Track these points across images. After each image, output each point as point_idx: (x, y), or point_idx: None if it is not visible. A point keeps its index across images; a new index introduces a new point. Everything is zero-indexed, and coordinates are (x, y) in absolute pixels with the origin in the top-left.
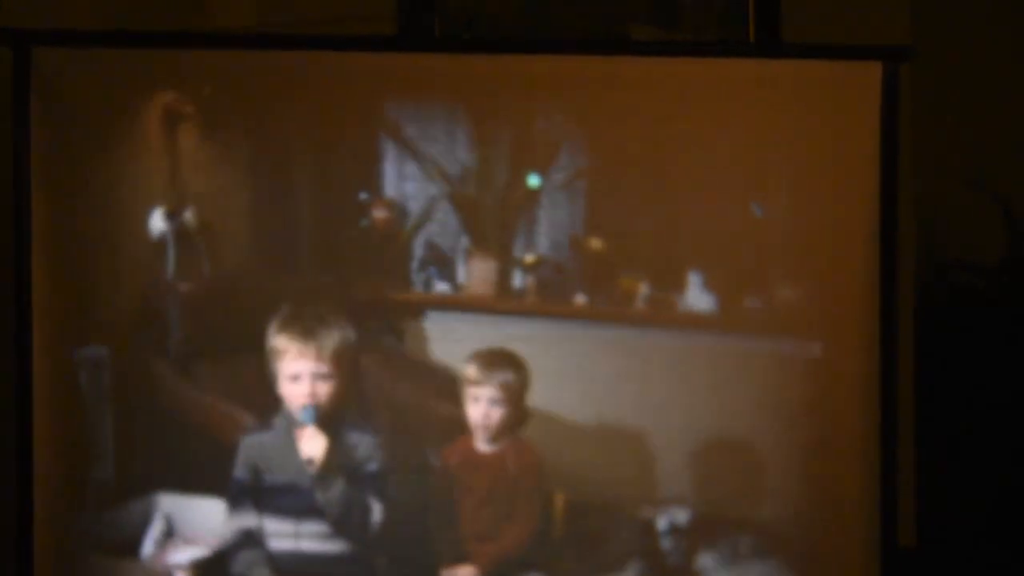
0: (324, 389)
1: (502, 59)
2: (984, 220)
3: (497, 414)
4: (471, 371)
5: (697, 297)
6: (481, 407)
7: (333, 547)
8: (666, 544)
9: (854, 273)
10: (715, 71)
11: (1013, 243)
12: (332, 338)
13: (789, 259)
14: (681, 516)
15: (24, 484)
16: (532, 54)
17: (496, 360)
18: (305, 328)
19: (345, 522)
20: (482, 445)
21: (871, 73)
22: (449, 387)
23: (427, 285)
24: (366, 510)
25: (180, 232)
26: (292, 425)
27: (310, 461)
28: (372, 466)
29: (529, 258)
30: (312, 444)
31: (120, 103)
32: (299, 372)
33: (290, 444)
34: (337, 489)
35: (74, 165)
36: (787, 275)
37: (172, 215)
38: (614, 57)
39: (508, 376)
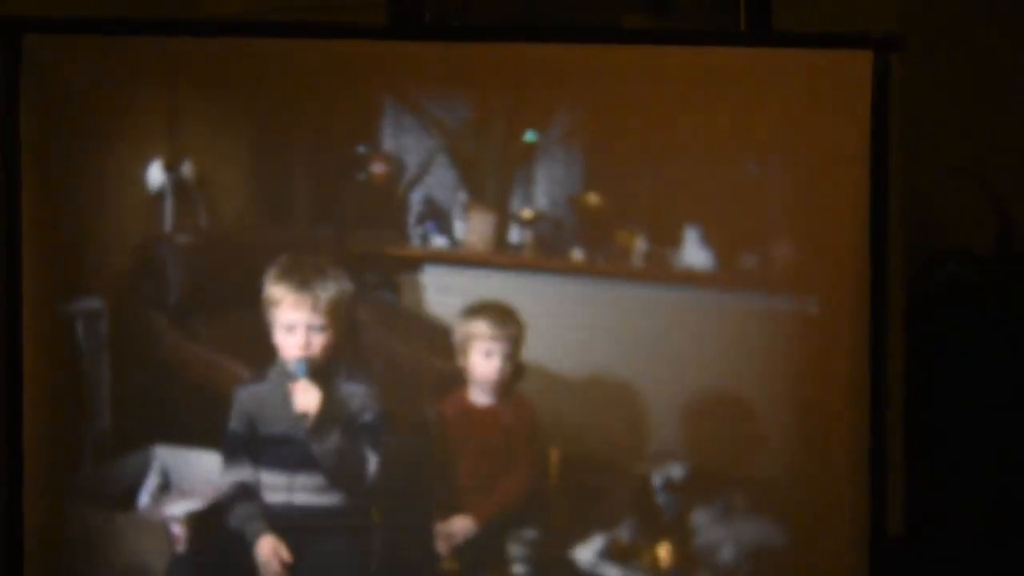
0: (319, 340)
1: (497, 47)
2: (975, 210)
3: (508, 368)
4: (483, 326)
5: (694, 253)
6: (495, 362)
7: (328, 499)
8: (661, 500)
9: (844, 266)
10: (706, 59)
11: (1004, 233)
12: (328, 289)
13: (783, 229)
14: (676, 472)
15: (13, 443)
16: (523, 42)
17: (505, 314)
18: (302, 278)
19: (341, 474)
20: (479, 398)
21: (862, 62)
22: (444, 341)
23: (424, 239)
24: (362, 462)
25: (178, 185)
26: (286, 376)
27: (304, 415)
28: (367, 417)
29: (527, 213)
30: (306, 397)
31: (108, 84)
32: (294, 323)
33: (284, 395)
34: (332, 441)
35: (64, 139)
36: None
37: (170, 168)
38: (605, 45)
39: (508, 328)
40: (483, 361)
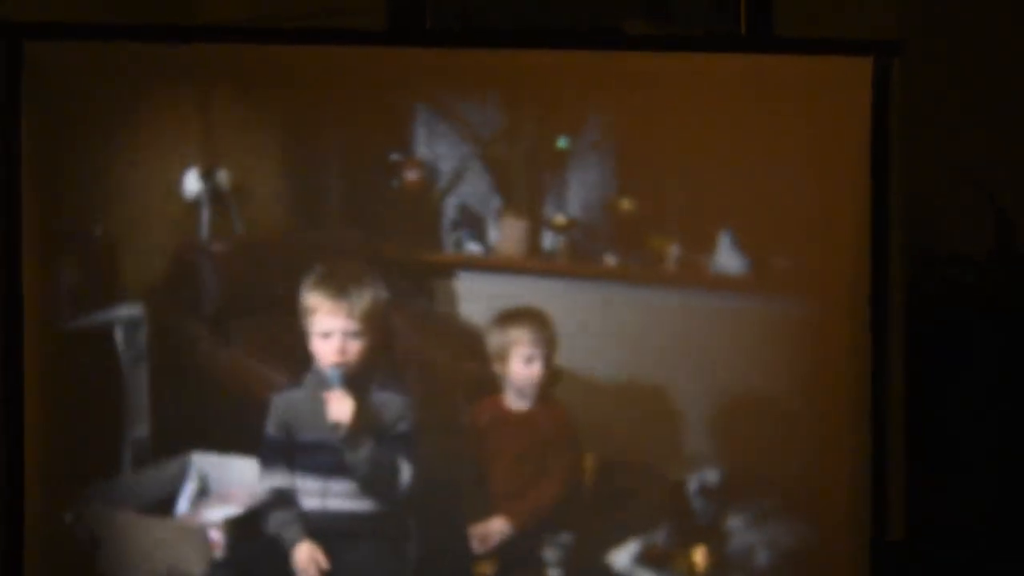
0: (354, 347)
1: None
2: (974, 213)
3: (535, 371)
4: (523, 332)
5: (727, 258)
6: (536, 367)
7: (363, 505)
8: (697, 504)
9: (844, 269)
10: (706, 65)
11: (1003, 236)
12: (364, 297)
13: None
14: (712, 476)
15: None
16: (523, 48)
17: (542, 320)
18: (338, 286)
19: (374, 483)
20: (515, 403)
21: (862, 67)
22: (479, 346)
23: (458, 246)
24: (395, 471)
25: (213, 193)
26: (322, 383)
27: (337, 425)
28: (402, 427)
29: (560, 219)
30: (339, 407)
31: (114, 94)
32: (330, 329)
33: (320, 402)
34: (366, 450)
35: (71, 145)
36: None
37: (206, 176)
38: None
39: (545, 333)
40: (524, 367)
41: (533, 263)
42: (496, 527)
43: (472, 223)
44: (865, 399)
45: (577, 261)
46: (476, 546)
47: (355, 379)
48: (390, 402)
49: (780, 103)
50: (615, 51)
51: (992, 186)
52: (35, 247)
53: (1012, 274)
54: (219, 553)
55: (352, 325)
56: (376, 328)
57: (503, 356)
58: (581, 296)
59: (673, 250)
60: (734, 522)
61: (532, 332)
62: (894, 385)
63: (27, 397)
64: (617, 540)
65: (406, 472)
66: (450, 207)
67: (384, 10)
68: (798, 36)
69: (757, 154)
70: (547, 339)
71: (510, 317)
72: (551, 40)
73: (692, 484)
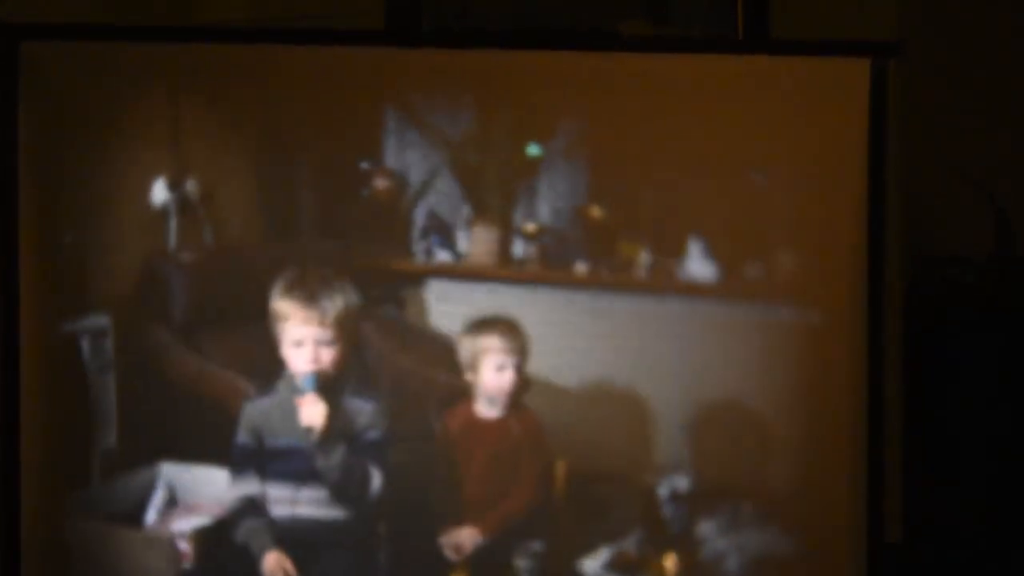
0: (327, 354)
1: (499, 55)
2: (973, 215)
3: (507, 379)
4: (494, 340)
5: (697, 264)
6: (507, 374)
7: (333, 513)
8: (668, 511)
9: (841, 271)
10: (703, 66)
11: (1002, 238)
12: (336, 302)
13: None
14: (682, 483)
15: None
16: (519, 49)
17: (514, 328)
18: (309, 292)
19: (345, 490)
20: (485, 411)
21: (860, 68)
22: (449, 354)
23: (428, 254)
24: (366, 478)
25: (182, 202)
26: (293, 389)
27: (310, 429)
28: (373, 434)
29: (530, 226)
30: (312, 411)
31: (111, 95)
32: (302, 338)
33: (291, 408)
34: (337, 457)
35: (64, 149)
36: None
37: (174, 185)
38: (607, 53)
39: (516, 341)
40: (496, 375)
41: (504, 271)
42: (467, 535)
43: (442, 231)
44: (862, 401)
45: (548, 268)
46: (447, 554)
47: (327, 385)
48: (361, 409)
49: (777, 105)
50: (611, 52)
51: (992, 187)
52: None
53: (1012, 275)
54: (188, 563)
55: (325, 333)
56: (348, 335)
57: (474, 364)
58: (552, 303)
59: (643, 256)
60: (705, 529)
61: (503, 340)
62: (891, 387)
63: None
64: (588, 547)
65: (377, 479)
66: (420, 215)
67: (381, 12)
68: (795, 38)
69: (753, 156)
70: (518, 347)
71: (481, 325)
72: (547, 41)
73: (663, 490)
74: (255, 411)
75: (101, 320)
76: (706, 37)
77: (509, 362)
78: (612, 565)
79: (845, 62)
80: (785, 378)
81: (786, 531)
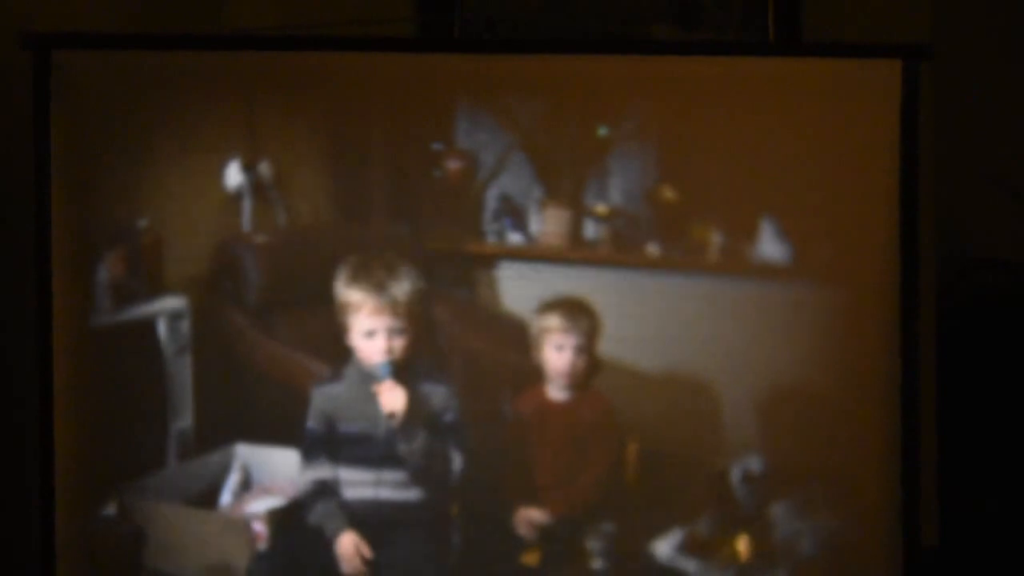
0: (400, 343)
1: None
2: (1007, 218)
3: (581, 362)
4: (554, 320)
5: (770, 246)
6: (566, 355)
7: (408, 495)
8: (740, 493)
9: (875, 272)
10: (735, 70)
11: None
12: (405, 290)
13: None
14: (755, 464)
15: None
16: (552, 54)
17: (578, 309)
18: (377, 282)
19: (427, 472)
20: (556, 394)
21: (891, 71)
22: (521, 337)
23: (500, 235)
24: (447, 460)
25: (256, 184)
26: (364, 377)
27: (392, 415)
28: (449, 417)
29: (602, 208)
30: (392, 398)
31: (153, 93)
32: (375, 328)
33: (362, 395)
34: (420, 440)
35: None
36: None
37: (248, 168)
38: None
39: (581, 323)
40: (555, 355)
41: (575, 253)
42: (539, 516)
43: (514, 213)
44: (896, 404)
45: (619, 250)
46: (520, 535)
47: (402, 371)
48: (435, 393)
49: (810, 107)
50: (644, 56)
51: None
52: (68, 247)
53: None
54: (262, 545)
55: (396, 322)
56: (418, 321)
57: (538, 345)
58: (624, 285)
59: (715, 238)
60: (778, 511)
61: (563, 321)
62: (926, 389)
63: (65, 394)
64: (660, 529)
65: (458, 461)
66: (492, 197)
67: (413, 19)
68: (827, 41)
69: (787, 157)
70: (582, 329)
71: (546, 306)
72: (581, 47)
73: (735, 472)
74: (325, 397)
75: (178, 302)
76: (737, 40)
77: (569, 343)
78: (684, 547)
79: (877, 64)
80: (836, 364)
81: (858, 514)
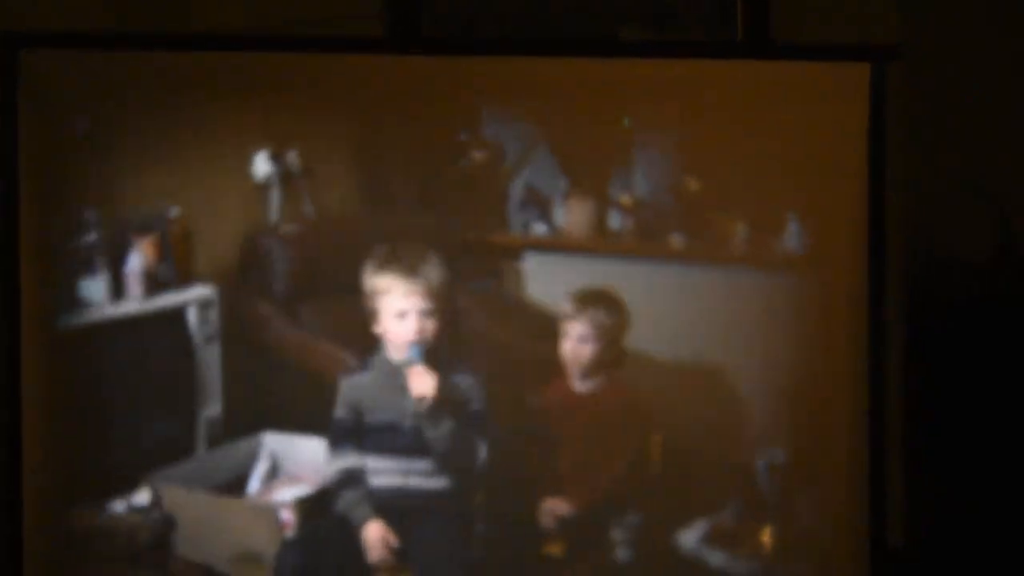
0: (430, 325)
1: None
2: (975, 217)
3: (586, 351)
4: (566, 307)
5: (795, 238)
6: (570, 343)
7: (433, 484)
8: (764, 483)
9: (844, 274)
10: (703, 71)
11: (1004, 240)
12: (435, 274)
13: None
14: (778, 456)
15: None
16: (518, 56)
17: (589, 298)
18: (409, 265)
19: (452, 459)
20: (580, 385)
21: (860, 72)
22: (546, 328)
23: (525, 226)
24: (472, 448)
25: (284, 174)
26: (392, 367)
27: (422, 398)
28: (477, 405)
29: (626, 199)
30: (422, 381)
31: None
32: (406, 309)
33: (389, 385)
34: (446, 427)
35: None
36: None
37: (276, 158)
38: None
39: (599, 314)
40: (578, 346)
41: (600, 243)
42: (563, 507)
43: (539, 203)
44: (863, 405)
45: (644, 241)
46: (544, 525)
47: (431, 356)
48: (462, 382)
49: (778, 107)
50: (612, 58)
51: (994, 190)
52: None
53: (1013, 278)
54: (289, 532)
55: (427, 303)
56: (447, 308)
57: (562, 336)
58: (648, 276)
59: (740, 229)
60: (802, 502)
61: (588, 312)
62: (893, 389)
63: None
64: (684, 520)
65: (482, 451)
66: (517, 187)
67: (381, 18)
68: (796, 41)
69: (753, 159)
70: (607, 320)
71: (571, 297)
72: (548, 48)
73: (760, 463)
74: (353, 387)
75: (207, 291)
76: (706, 41)
77: (592, 334)
78: (709, 538)
79: (845, 66)
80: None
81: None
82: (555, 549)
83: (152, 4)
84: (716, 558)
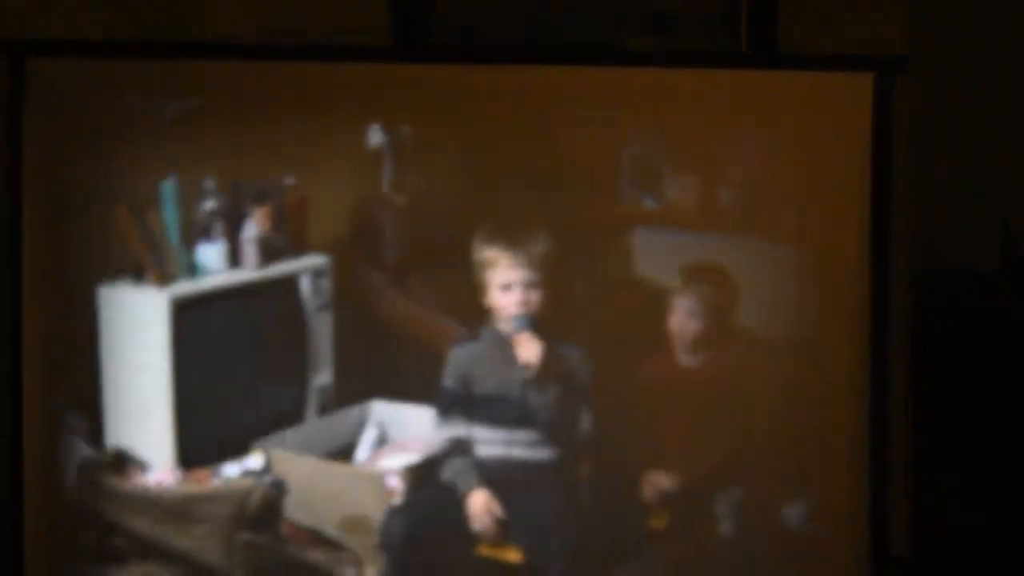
0: (535, 297)
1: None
2: (979, 227)
3: (694, 326)
4: (686, 286)
5: None
6: (678, 317)
7: (538, 455)
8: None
9: (848, 285)
10: (706, 80)
11: (1007, 250)
12: (540, 246)
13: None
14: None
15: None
16: (524, 64)
17: (699, 272)
18: (513, 238)
19: (556, 428)
20: (684, 359)
21: (864, 83)
22: (653, 302)
23: (633, 201)
24: (576, 418)
25: (396, 145)
26: (500, 337)
27: (527, 366)
28: (581, 376)
29: (734, 175)
30: (528, 349)
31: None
32: (510, 281)
33: (498, 356)
34: (551, 395)
35: None
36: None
37: (389, 130)
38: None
39: (708, 289)
40: (685, 321)
41: (710, 219)
42: (667, 480)
43: (647, 177)
44: (867, 413)
45: (751, 217)
46: (646, 492)
47: (538, 326)
48: (568, 354)
49: (783, 116)
50: (617, 67)
51: (997, 200)
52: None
53: (1017, 287)
54: (396, 499)
55: (532, 275)
56: (553, 278)
57: (670, 310)
58: (758, 253)
59: None
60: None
61: (696, 288)
62: (897, 398)
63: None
64: (788, 496)
65: (586, 421)
66: (625, 162)
67: (389, 27)
68: (801, 52)
69: (758, 168)
70: (715, 296)
71: (680, 272)
72: (555, 56)
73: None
74: (462, 357)
75: (320, 260)
76: (711, 51)
77: (700, 310)
78: (813, 515)
79: (850, 76)
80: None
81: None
82: (658, 523)
83: (159, 13)
84: (822, 532)
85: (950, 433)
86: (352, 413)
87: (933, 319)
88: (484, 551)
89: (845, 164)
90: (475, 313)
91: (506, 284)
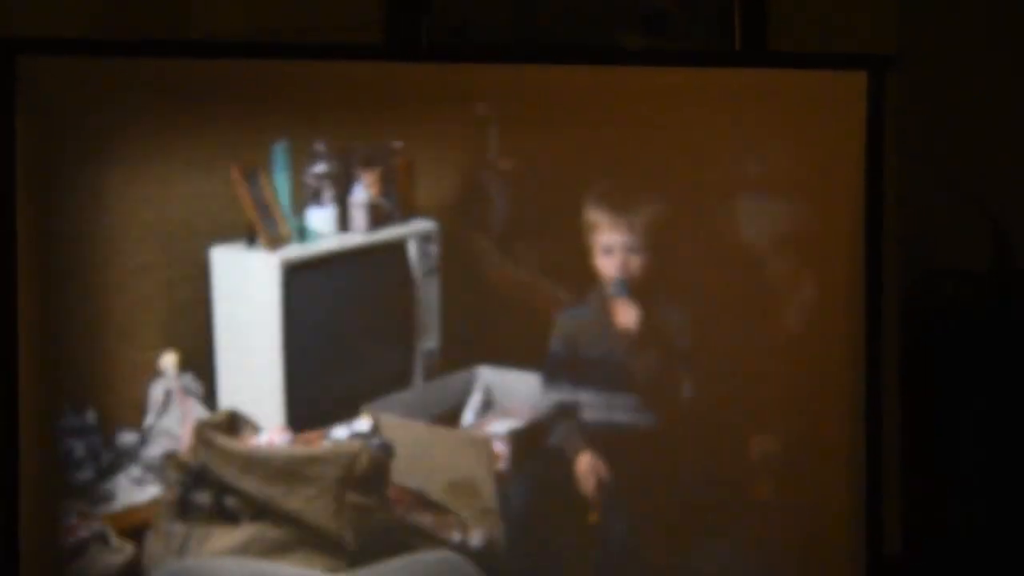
0: (636, 262)
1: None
2: (971, 228)
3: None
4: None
5: None
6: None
7: (641, 418)
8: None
9: (839, 284)
10: (698, 79)
11: (1000, 251)
12: (644, 212)
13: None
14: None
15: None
16: (518, 63)
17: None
18: (619, 202)
19: (656, 393)
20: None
21: (857, 81)
22: (758, 271)
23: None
24: (678, 383)
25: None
26: (605, 299)
27: (625, 331)
28: (683, 341)
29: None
30: (626, 313)
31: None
32: (611, 245)
33: (604, 318)
34: (651, 359)
35: None
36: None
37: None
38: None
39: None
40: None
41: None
42: (772, 444)
43: None
44: (860, 413)
45: None
46: (751, 463)
47: (638, 292)
48: (670, 315)
49: (775, 115)
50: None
51: (990, 200)
52: None
53: (1009, 288)
54: (503, 463)
55: (633, 240)
56: (657, 243)
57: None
58: None
59: None
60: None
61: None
62: (890, 399)
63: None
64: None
65: (687, 387)
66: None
67: (381, 25)
68: (793, 51)
69: (749, 169)
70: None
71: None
72: (548, 55)
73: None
74: (569, 321)
75: (428, 224)
76: (703, 49)
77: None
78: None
79: (842, 75)
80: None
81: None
82: (761, 491)
83: (148, 11)
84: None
85: (943, 432)
86: (458, 378)
87: (925, 319)
88: (593, 519)
89: (837, 164)
90: (583, 277)
91: (608, 248)
